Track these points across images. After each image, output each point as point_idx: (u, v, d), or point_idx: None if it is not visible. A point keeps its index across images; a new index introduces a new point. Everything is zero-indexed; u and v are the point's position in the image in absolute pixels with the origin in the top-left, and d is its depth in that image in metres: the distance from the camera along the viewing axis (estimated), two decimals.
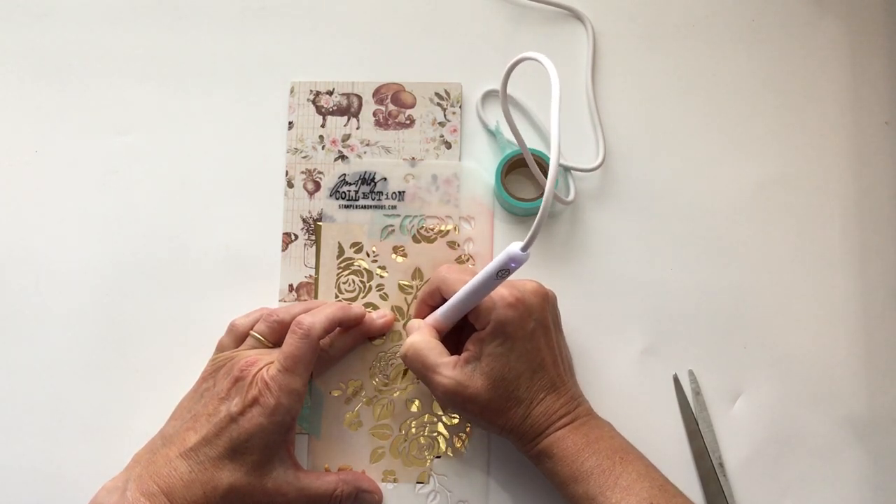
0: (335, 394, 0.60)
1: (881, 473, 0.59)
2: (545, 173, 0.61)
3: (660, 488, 0.51)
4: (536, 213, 0.61)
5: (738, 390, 0.60)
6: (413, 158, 0.63)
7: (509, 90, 0.63)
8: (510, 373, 0.53)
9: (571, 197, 0.61)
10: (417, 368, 0.55)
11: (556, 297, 0.57)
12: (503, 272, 0.49)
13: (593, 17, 0.64)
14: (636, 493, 0.50)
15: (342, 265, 0.62)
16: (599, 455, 0.52)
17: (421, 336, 0.55)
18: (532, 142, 0.63)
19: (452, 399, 0.54)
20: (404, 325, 0.61)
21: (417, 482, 0.59)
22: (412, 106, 0.63)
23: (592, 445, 0.52)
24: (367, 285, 0.61)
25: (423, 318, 0.57)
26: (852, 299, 0.61)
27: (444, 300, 0.56)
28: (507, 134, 0.62)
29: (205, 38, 0.65)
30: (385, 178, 0.62)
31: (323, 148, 0.63)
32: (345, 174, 0.63)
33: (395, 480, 0.59)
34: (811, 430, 0.59)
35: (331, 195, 0.62)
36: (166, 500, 0.51)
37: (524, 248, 0.48)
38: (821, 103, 0.63)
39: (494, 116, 0.63)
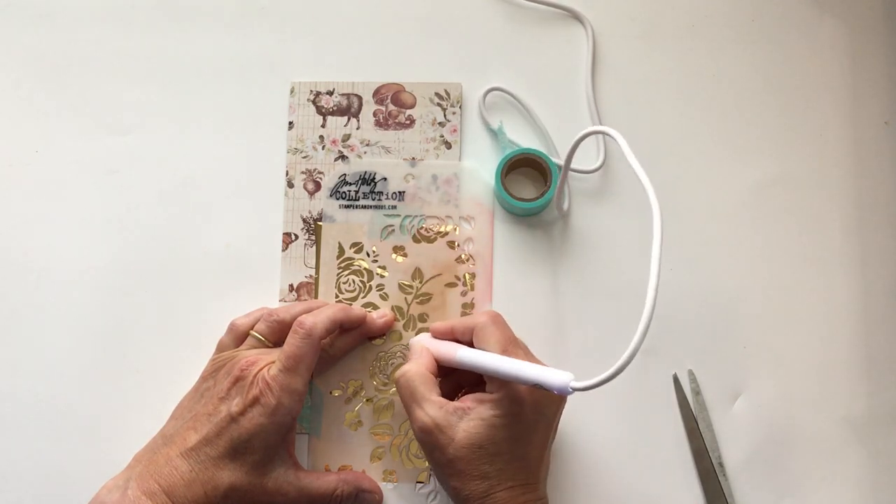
0: (335, 394, 0.60)
1: (881, 473, 0.59)
2: (545, 173, 0.61)
3: None
4: (536, 213, 0.62)
5: (737, 390, 0.60)
6: (413, 158, 0.63)
7: (513, 90, 0.63)
8: (491, 447, 0.51)
9: (566, 206, 0.61)
10: (405, 396, 0.54)
11: (566, 401, 0.55)
12: (540, 387, 0.49)
13: (593, 17, 0.64)
14: None
15: (342, 265, 0.62)
16: None
17: (417, 367, 0.54)
18: (532, 142, 0.63)
19: (424, 438, 0.52)
20: (404, 324, 0.61)
21: (417, 482, 0.59)
22: (412, 106, 0.63)
23: None
24: (368, 285, 0.61)
25: (440, 335, 0.56)
26: (852, 299, 0.61)
27: (469, 336, 0.54)
28: (510, 134, 0.62)
29: (205, 38, 0.65)
30: (385, 178, 0.62)
31: (323, 148, 0.63)
32: (345, 174, 0.63)
33: (394, 480, 0.59)
34: (811, 430, 0.59)
35: (331, 195, 0.62)
36: (167, 499, 0.51)
37: (574, 388, 0.47)
38: (821, 103, 0.63)
39: (496, 115, 0.63)
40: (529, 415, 0.51)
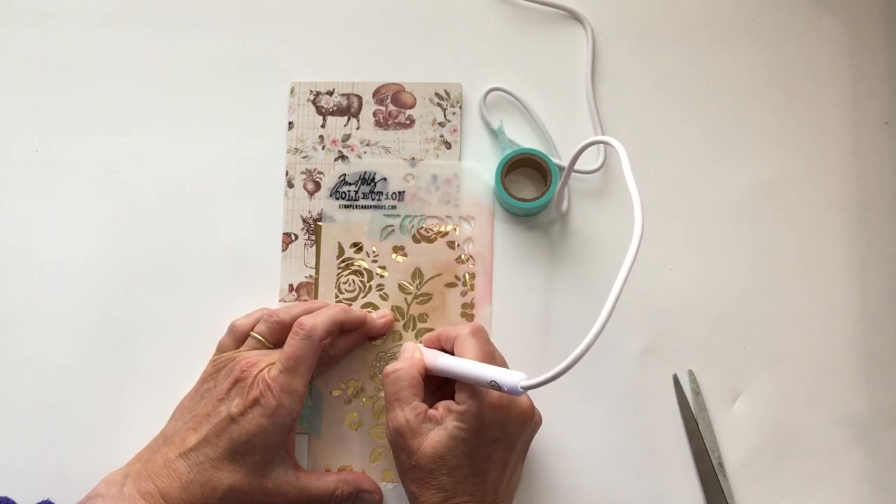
0: (335, 394, 0.60)
1: (881, 473, 0.59)
2: (545, 173, 0.61)
3: None
4: (536, 213, 0.62)
5: (737, 390, 0.60)
6: (413, 158, 0.63)
7: (513, 90, 0.63)
8: (452, 459, 0.51)
9: (566, 206, 0.61)
10: (390, 393, 0.54)
11: (539, 425, 0.55)
12: (495, 385, 0.50)
13: (592, 17, 0.64)
14: None
15: (342, 265, 0.62)
16: None
17: (409, 367, 0.54)
18: (532, 142, 0.63)
19: (395, 439, 0.53)
20: (404, 325, 0.61)
21: None
22: (412, 106, 0.63)
23: None
24: (367, 285, 0.61)
25: (429, 344, 0.57)
26: (852, 299, 0.61)
27: (452, 346, 0.55)
28: (510, 134, 0.62)
29: (205, 38, 0.65)
30: (385, 178, 0.62)
31: (323, 148, 0.63)
32: (345, 174, 0.63)
33: (394, 480, 0.59)
34: (811, 430, 0.59)
35: (331, 195, 0.62)
36: (162, 501, 0.51)
37: (524, 388, 0.48)
38: (821, 103, 0.63)
39: (496, 115, 0.63)
40: (490, 432, 0.52)
